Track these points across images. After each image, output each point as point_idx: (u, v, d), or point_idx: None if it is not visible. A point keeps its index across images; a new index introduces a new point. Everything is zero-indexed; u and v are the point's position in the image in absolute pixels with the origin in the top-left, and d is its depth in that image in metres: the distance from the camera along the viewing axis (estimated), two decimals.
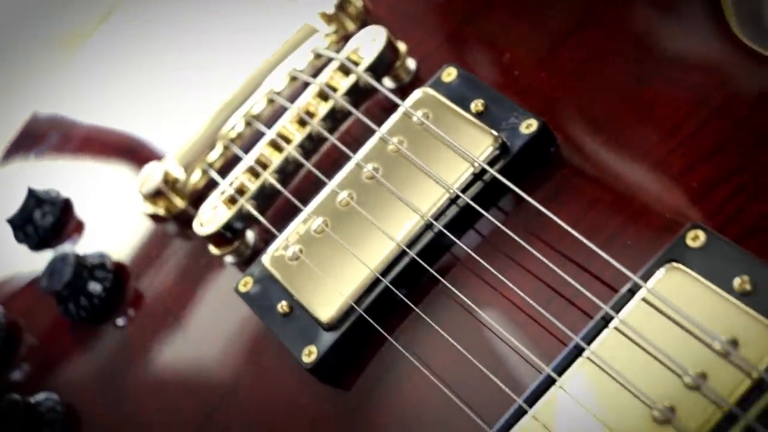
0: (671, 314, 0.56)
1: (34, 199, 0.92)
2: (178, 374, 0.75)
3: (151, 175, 0.82)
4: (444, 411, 0.61)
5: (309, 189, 0.74)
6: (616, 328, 0.57)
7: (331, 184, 0.71)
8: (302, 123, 0.76)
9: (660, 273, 0.57)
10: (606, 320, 0.58)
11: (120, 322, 0.82)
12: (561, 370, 0.57)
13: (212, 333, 0.75)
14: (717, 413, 0.52)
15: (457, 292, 0.64)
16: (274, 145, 0.76)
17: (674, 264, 0.57)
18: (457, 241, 0.65)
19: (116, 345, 0.81)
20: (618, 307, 0.57)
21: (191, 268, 0.80)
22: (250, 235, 0.77)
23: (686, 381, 0.53)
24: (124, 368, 0.79)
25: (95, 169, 0.97)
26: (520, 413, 0.57)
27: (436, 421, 0.62)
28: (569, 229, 0.61)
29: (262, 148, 0.76)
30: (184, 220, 0.82)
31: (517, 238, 0.63)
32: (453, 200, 0.67)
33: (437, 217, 0.66)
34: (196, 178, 0.82)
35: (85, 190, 0.95)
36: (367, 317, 0.65)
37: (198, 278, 0.79)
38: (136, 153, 0.93)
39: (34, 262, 0.91)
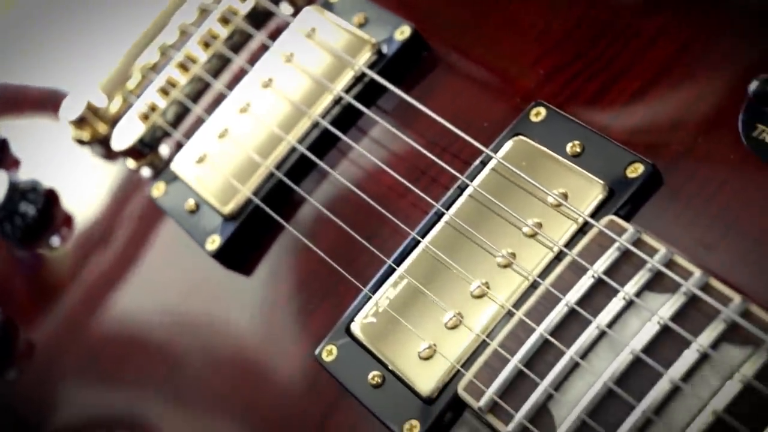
0: (515, 178, 0.64)
1: None
2: (103, 275, 0.83)
3: (76, 103, 0.89)
4: (329, 279, 0.69)
5: (216, 104, 0.81)
6: (470, 195, 0.65)
7: (232, 95, 0.79)
8: (207, 45, 0.84)
9: (507, 145, 0.66)
10: (462, 189, 0.66)
11: (54, 240, 0.89)
12: (424, 232, 0.66)
13: (132, 237, 0.83)
14: (549, 254, 0.61)
15: (342, 179, 0.72)
16: (183, 67, 0.84)
17: (520, 137, 0.66)
18: (342, 136, 0.73)
19: (51, 260, 0.88)
20: (472, 177, 0.66)
21: (114, 185, 0.87)
22: (165, 150, 0.85)
23: (525, 231, 0.62)
24: (56, 279, 0.87)
25: (28, 120, 1.04)
26: (390, 272, 0.66)
27: (323, 288, 0.70)
28: (436, 117, 0.69)
29: (171, 70, 0.84)
30: (107, 144, 0.89)
31: (392, 129, 0.71)
32: (337, 101, 0.75)
33: (324, 115, 0.74)
34: (117, 105, 0.89)
35: (20, 132, 1.02)
36: (262, 206, 0.73)
37: (119, 192, 0.87)
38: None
39: None
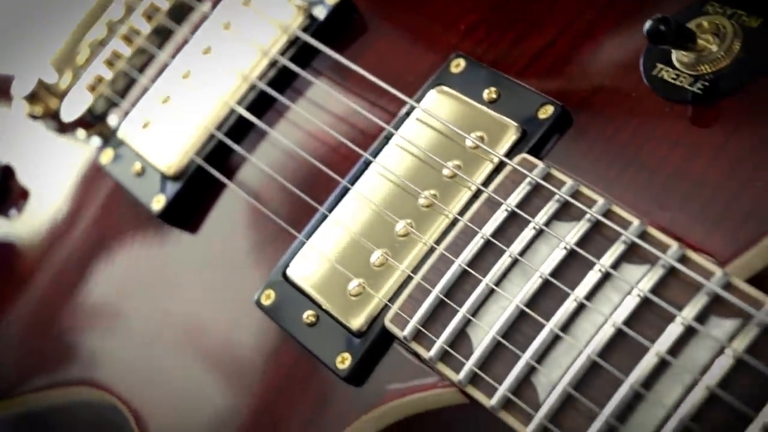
0: (436, 125, 0.68)
1: None
2: (58, 242, 0.86)
3: (27, 79, 0.93)
4: (268, 230, 0.73)
5: (160, 73, 0.85)
6: (396, 143, 0.69)
7: (174, 63, 0.83)
8: (150, 17, 0.87)
9: (430, 95, 0.70)
10: (388, 138, 0.70)
11: (11, 212, 0.92)
12: (354, 180, 0.70)
13: (85, 204, 0.86)
14: (468, 193, 0.65)
15: (280, 137, 0.76)
16: (127, 39, 0.87)
17: (441, 87, 0.70)
18: (279, 96, 0.77)
19: (8, 229, 0.92)
20: (397, 126, 0.70)
21: (67, 157, 0.91)
22: (112, 119, 0.88)
23: (445, 173, 0.66)
24: (13, 247, 0.90)
25: None
26: (323, 218, 0.69)
27: (263, 239, 0.74)
28: (366, 74, 0.73)
29: (116, 43, 0.88)
30: (60, 118, 0.92)
31: (326, 88, 0.75)
32: (273, 64, 0.78)
33: (261, 77, 0.78)
34: (67, 80, 0.92)
35: None
36: (205, 165, 0.77)
37: (72, 163, 0.90)
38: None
39: None
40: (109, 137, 0.87)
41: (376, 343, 0.64)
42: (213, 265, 0.76)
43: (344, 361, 0.64)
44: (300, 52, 0.78)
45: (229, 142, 0.77)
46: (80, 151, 0.90)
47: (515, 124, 0.65)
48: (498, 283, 0.60)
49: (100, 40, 0.91)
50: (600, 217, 0.58)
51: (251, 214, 0.75)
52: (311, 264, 0.68)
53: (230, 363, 0.72)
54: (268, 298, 0.69)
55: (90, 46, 0.91)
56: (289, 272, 0.69)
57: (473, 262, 0.61)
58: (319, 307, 0.66)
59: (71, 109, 0.88)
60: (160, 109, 0.81)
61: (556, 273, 0.58)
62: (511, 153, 0.65)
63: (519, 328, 0.58)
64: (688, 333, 0.53)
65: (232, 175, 0.77)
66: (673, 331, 0.53)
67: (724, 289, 0.53)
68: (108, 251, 0.83)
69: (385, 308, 0.64)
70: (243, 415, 0.70)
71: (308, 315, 0.67)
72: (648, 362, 0.53)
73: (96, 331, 0.81)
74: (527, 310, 0.58)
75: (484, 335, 0.58)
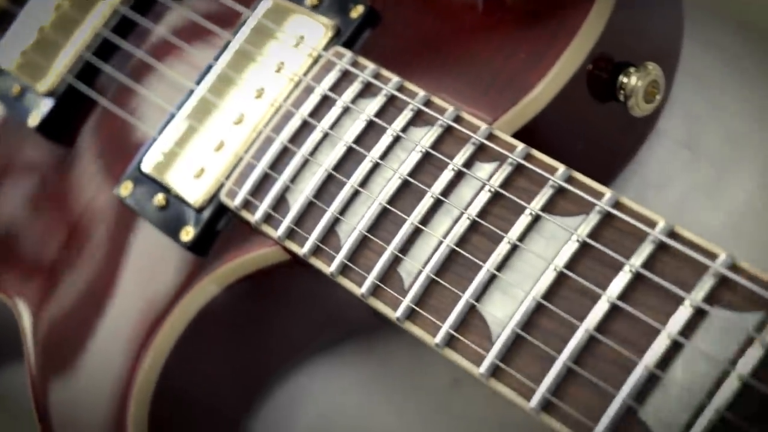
0: (266, 29, 0.78)
1: None
2: None
3: None
4: (132, 134, 0.82)
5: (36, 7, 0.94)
6: (234, 49, 0.79)
7: None
8: None
9: (263, 5, 0.79)
10: (227, 44, 0.79)
11: None
12: (199, 82, 0.79)
13: None
14: (291, 83, 0.74)
15: (140, 53, 0.85)
16: None
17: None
18: (139, 18, 0.86)
19: None
20: (235, 33, 0.79)
21: None
22: None
23: (273, 69, 0.76)
24: None
25: None
26: (172, 117, 0.79)
27: (127, 142, 0.83)
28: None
29: None
30: None
31: (179, 9, 0.84)
32: None
33: (123, 3, 0.87)
34: None
35: None
36: (75, 82, 0.86)
37: None
38: None
39: None
40: None
41: (214, 215, 0.73)
42: (85, 169, 0.85)
43: (188, 234, 0.74)
44: None
45: (96, 60, 0.86)
46: None
47: (332, 23, 0.75)
48: (311, 154, 0.69)
49: None
50: (394, 92, 0.68)
51: (118, 122, 0.84)
52: (161, 155, 0.77)
53: (106, 253, 0.80)
54: (126, 189, 0.78)
55: None
56: (143, 165, 0.78)
57: (292, 139, 0.71)
58: (168, 191, 0.76)
59: None
60: (34, 35, 0.90)
61: (357, 140, 0.68)
62: (327, 48, 0.74)
63: (326, 188, 0.68)
64: (458, 177, 0.63)
65: (101, 89, 0.86)
66: (445, 177, 0.63)
67: (487, 139, 0.63)
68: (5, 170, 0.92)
69: (222, 186, 0.73)
70: (121, 298, 0.79)
71: (159, 199, 0.76)
72: (425, 203, 0.63)
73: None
74: (333, 172, 0.67)
75: (298, 196, 0.68)
